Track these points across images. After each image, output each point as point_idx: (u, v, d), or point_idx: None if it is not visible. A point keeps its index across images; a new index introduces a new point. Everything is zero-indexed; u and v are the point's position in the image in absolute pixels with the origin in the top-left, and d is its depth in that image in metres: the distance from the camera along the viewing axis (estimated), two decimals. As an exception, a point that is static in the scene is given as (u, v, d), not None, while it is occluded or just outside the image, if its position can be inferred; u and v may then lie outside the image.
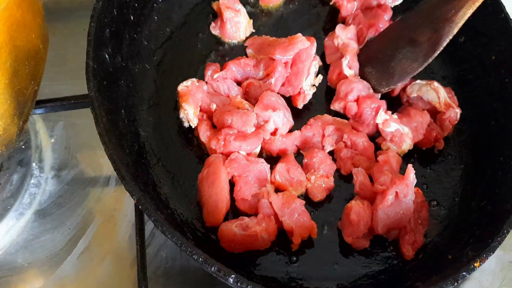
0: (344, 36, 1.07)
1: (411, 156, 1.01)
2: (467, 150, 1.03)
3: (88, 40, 0.86)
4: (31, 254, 0.97)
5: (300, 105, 1.04)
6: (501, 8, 1.02)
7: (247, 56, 1.08)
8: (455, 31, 0.92)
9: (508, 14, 1.01)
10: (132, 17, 1.01)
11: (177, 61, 1.07)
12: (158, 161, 0.96)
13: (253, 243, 0.87)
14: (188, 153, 0.98)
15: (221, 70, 1.03)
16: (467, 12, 0.91)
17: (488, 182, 0.95)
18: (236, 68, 1.04)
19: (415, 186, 0.92)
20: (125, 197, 1.03)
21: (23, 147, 1.06)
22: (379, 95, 1.04)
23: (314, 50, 1.04)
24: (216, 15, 1.14)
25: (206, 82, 1.02)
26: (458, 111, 1.01)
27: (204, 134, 0.97)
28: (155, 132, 0.99)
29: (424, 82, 1.04)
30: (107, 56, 0.91)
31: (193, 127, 0.99)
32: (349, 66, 1.05)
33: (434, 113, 1.03)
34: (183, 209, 0.92)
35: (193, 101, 0.97)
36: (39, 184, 1.04)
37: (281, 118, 0.96)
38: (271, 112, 0.95)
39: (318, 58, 1.07)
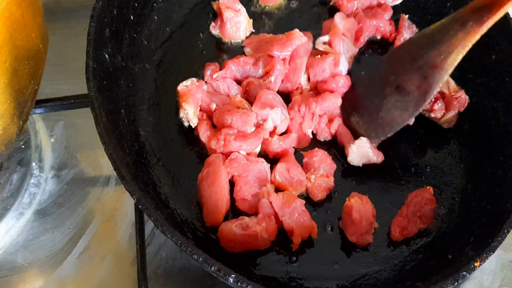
0: (342, 25, 1.06)
1: (411, 155, 1.01)
2: (467, 150, 1.03)
3: (88, 39, 0.86)
4: (31, 253, 0.97)
5: None
6: (501, 8, 1.01)
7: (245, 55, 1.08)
8: (445, 78, 0.87)
9: (508, 14, 1.01)
10: (132, 17, 1.01)
11: (177, 61, 1.07)
12: (158, 161, 0.96)
13: (253, 243, 0.87)
14: (188, 153, 0.98)
15: (220, 69, 1.04)
16: (456, 58, 0.85)
17: (488, 182, 0.95)
18: (235, 67, 1.04)
19: (428, 185, 0.95)
20: (125, 196, 1.03)
21: (23, 146, 1.06)
22: None
23: (311, 45, 1.05)
24: (216, 15, 1.14)
25: (206, 82, 1.02)
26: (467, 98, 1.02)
27: (204, 134, 0.97)
28: (155, 132, 0.99)
29: None
30: (107, 56, 0.91)
31: (193, 126, 0.99)
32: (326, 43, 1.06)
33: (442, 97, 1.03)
34: (183, 209, 0.92)
35: (193, 101, 0.97)
36: (39, 184, 1.04)
37: (279, 116, 0.97)
38: (269, 110, 0.96)
39: None
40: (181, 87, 1.00)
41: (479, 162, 1.00)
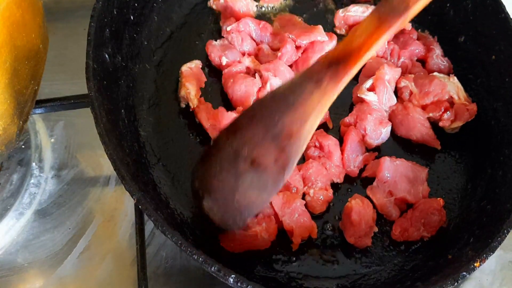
0: (390, 75, 1.03)
1: (411, 156, 1.01)
2: (467, 150, 1.03)
3: (88, 40, 0.86)
4: (31, 253, 0.97)
5: None
6: (501, 8, 1.01)
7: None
8: (304, 147, 0.75)
9: (508, 14, 1.01)
10: (132, 17, 1.01)
11: (177, 61, 1.07)
12: (158, 161, 0.96)
13: (253, 243, 0.87)
14: (188, 153, 0.98)
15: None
16: (314, 124, 0.73)
17: (488, 182, 0.95)
18: (254, 27, 1.07)
19: (439, 197, 0.94)
20: (125, 196, 1.03)
21: (23, 146, 1.06)
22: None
23: (331, 47, 1.06)
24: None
25: (222, 37, 1.07)
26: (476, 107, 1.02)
27: (204, 118, 0.98)
28: (155, 132, 0.99)
29: (442, 75, 1.05)
30: (107, 56, 0.91)
31: (191, 107, 1.00)
32: None
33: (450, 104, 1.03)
34: (183, 209, 0.92)
35: (196, 83, 1.00)
36: (39, 184, 1.03)
37: (278, 85, 0.98)
38: (271, 75, 0.97)
39: None
40: (185, 68, 1.03)
41: (479, 162, 1.00)
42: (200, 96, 1.01)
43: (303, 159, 0.98)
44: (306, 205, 0.92)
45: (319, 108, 0.72)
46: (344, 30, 1.14)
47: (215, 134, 0.94)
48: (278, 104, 0.74)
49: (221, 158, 0.78)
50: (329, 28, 1.15)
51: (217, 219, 0.81)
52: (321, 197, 0.93)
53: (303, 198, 0.93)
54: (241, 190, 0.77)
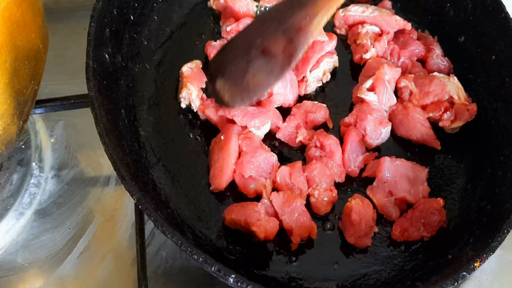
0: (390, 75, 1.03)
1: (411, 156, 1.01)
2: (467, 150, 1.03)
3: (88, 40, 0.86)
4: (31, 253, 0.97)
5: (301, 92, 1.06)
6: (501, 8, 1.02)
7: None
8: (311, 41, 0.86)
9: (508, 14, 1.01)
10: (132, 17, 1.01)
11: (177, 61, 1.07)
12: (158, 161, 0.96)
13: (250, 216, 0.86)
14: (188, 153, 0.99)
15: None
16: (321, 20, 0.83)
17: (488, 182, 0.95)
18: None
19: (439, 197, 0.94)
20: (125, 196, 1.03)
21: (23, 146, 1.06)
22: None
23: (331, 47, 1.06)
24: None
25: (222, 37, 1.07)
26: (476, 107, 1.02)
27: (213, 113, 0.99)
28: (155, 132, 0.99)
29: (442, 75, 1.04)
30: (107, 56, 0.91)
31: (194, 109, 1.01)
32: None
33: (450, 104, 1.03)
34: (183, 209, 0.92)
35: (197, 83, 1.01)
36: (39, 184, 1.04)
37: (278, 86, 1.00)
38: None
39: (336, 57, 1.07)
40: (185, 68, 1.03)
41: (479, 162, 1.00)
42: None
43: (305, 161, 0.98)
44: (311, 207, 0.92)
45: (327, 7, 0.83)
46: (344, 30, 1.15)
47: (225, 126, 0.97)
48: (291, 4, 0.85)
49: (236, 47, 0.92)
50: (329, 28, 1.15)
51: (227, 97, 0.91)
52: (326, 198, 0.93)
53: (307, 199, 0.93)
54: (251, 73, 0.88)
